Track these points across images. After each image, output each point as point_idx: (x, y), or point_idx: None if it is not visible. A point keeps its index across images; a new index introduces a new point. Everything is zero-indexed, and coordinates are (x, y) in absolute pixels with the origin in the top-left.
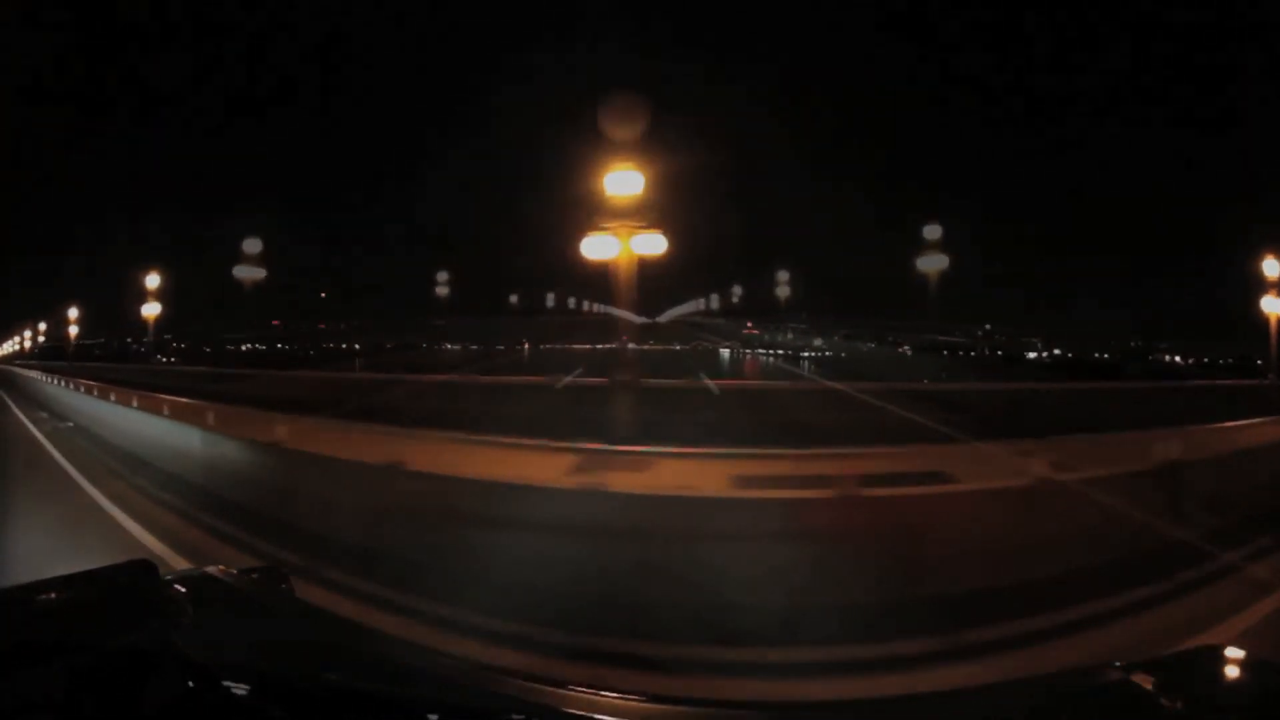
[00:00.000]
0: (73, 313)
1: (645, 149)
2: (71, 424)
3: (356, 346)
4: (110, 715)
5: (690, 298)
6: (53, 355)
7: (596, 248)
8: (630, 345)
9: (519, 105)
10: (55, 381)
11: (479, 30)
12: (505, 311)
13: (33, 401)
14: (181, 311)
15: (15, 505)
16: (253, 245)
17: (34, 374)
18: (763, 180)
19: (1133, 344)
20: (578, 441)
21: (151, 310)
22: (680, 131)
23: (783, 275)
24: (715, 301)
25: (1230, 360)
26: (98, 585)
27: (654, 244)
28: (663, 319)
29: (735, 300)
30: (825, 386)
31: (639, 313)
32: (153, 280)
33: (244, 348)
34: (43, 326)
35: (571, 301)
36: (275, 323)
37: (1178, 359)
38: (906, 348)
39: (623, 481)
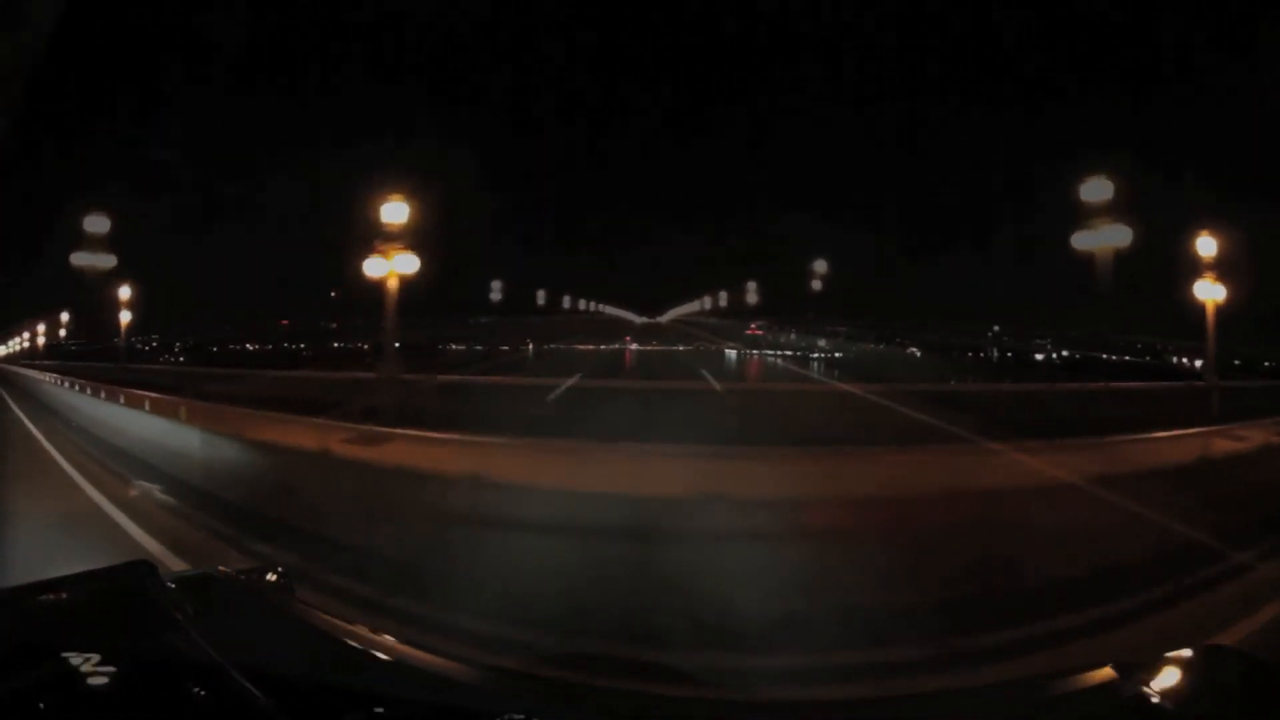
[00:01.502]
0: (124, 292)
1: None
2: None
3: (364, 346)
4: (110, 716)
5: (691, 298)
6: (61, 354)
7: None
8: (633, 346)
9: None
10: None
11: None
12: (505, 311)
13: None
14: (184, 310)
15: None
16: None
17: (55, 379)
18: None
19: (1139, 345)
20: (577, 441)
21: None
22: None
23: (783, 276)
24: (715, 302)
25: (1238, 362)
26: (98, 585)
27: None
28: (663, 319)
29: (736, 302)
30: (851, 393)
31: (639, 313)
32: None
33: (250, 347)
34: (64, 316)
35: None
36: (284, 322)
37: (1184, 360)
38: (915, 349)
39: (623, 482)
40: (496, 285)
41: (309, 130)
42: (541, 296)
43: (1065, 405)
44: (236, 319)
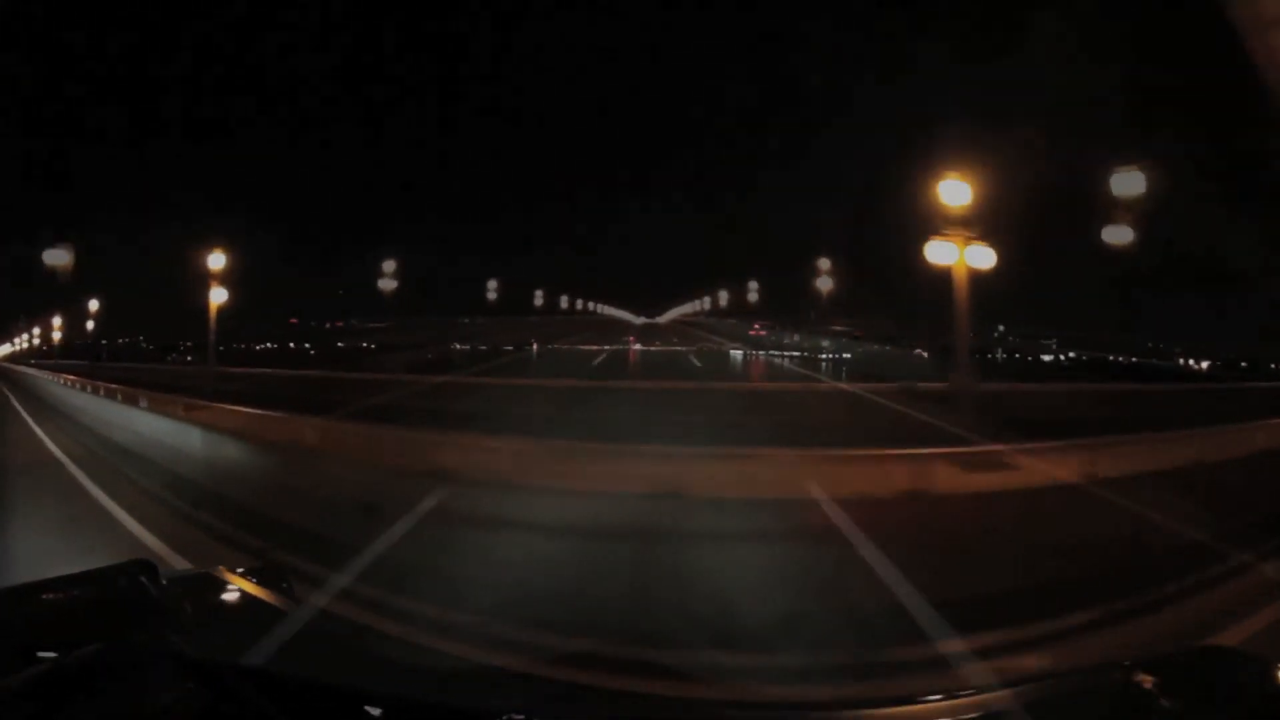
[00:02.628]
0: (215, 260)
1: None
2: None
3: (371, 345)
4: (110, 715)
5: (690, 298)
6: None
7: None
8: (636, 345)
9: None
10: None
11: None
12: (506, 312)
13: None
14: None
15: None
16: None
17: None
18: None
19: (1147, 345)
20: (576, 442)
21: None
22: None
23: (787, 276)
24: (716, 301)
25: (1245, 364)
26: (98, 585)
27: None
28: (663, 319)
29: (737, 302)
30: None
31: (638, 312)
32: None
33: (256, 347)
34: (91, 305)
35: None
36: (292, 320)
37: (1191, 362)
38: (922, 350)
39: (624, 483)
40: (492, 285)
41: None
42: (510, 293)
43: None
44: (236, 316)
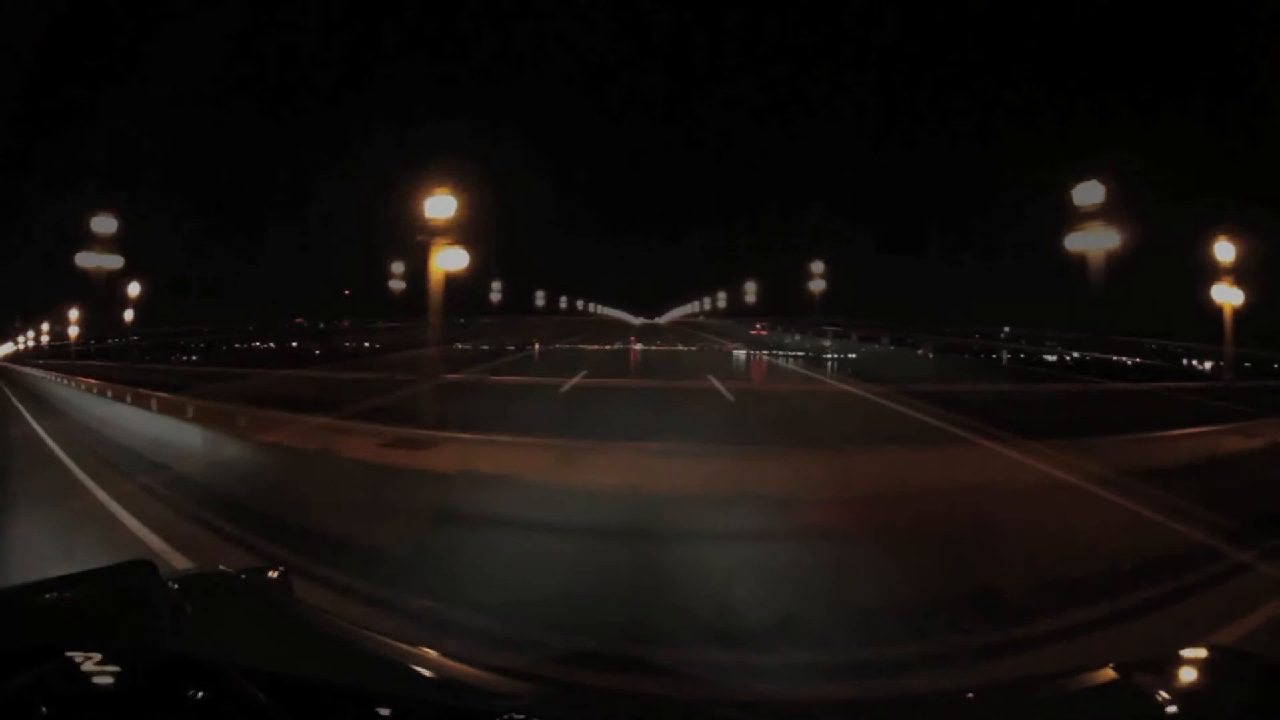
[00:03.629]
0: (441, 204)
1: None
2: None
3: (377, 345)
4: (110, 716)
5: (691, 298)
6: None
7: None
8: (637, 346)
9: None
10: None
11: None
12: (505, 312)
13: None
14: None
15: None
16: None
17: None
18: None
19: (1149, 345)
20: (576, 439)
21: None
22: None
23: (789, 277)
24: (716, 302)
25: (1248, 364)
26: (98, 585)
27: None
28: (662, 320)
29: (737, 301)
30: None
31: (637, 313)
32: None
33: (260, 345)
34: (133, 288)
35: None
36: (297, 320)
37: (1194, 362)
38: (927, 350)
39: (622, 480)
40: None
41: None
42: (499, 292)
43: None
44: (227, 318)
